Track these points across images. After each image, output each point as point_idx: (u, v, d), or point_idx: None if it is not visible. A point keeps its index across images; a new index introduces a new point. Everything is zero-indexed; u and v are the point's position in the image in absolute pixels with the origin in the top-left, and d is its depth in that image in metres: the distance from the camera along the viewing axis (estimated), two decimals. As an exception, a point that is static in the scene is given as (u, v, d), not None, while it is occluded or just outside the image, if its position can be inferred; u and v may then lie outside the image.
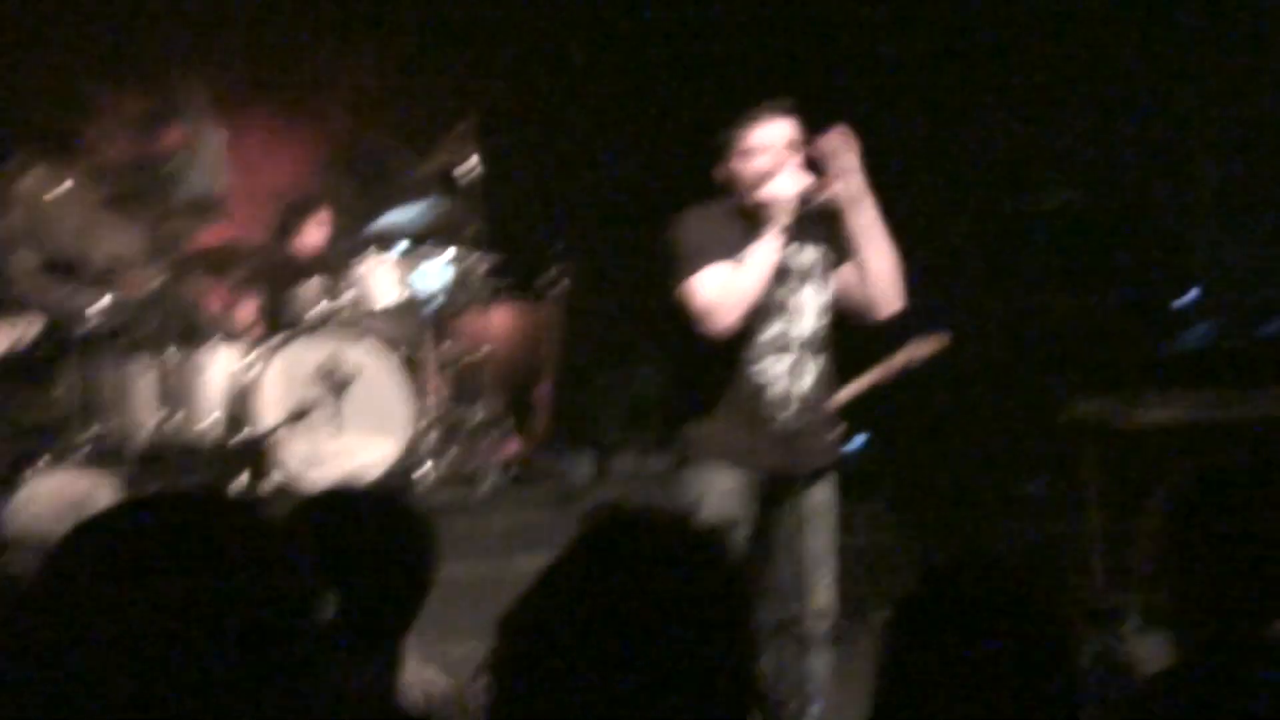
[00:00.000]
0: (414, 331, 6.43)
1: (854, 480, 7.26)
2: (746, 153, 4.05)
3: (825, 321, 4.20)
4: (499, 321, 6.70)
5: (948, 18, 7.85)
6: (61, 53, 7.04)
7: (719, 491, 4.03)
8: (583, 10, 8.15)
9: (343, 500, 2.64)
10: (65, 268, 6.49)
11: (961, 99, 7.95)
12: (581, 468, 6.67)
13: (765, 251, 3.97)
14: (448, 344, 6.43)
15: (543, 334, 6.96)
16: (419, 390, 6.08)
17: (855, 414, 6.33)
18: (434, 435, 6.21)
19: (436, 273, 6.45)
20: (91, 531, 1.38)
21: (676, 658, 1.50)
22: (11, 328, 4.86)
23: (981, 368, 7.54)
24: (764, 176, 3.99)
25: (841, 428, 6.25)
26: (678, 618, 1.52)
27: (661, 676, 1.49)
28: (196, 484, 5.14)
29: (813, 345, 4.12)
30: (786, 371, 4.09)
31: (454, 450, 6.21)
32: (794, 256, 4.06)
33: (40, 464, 5.52)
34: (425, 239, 6.62)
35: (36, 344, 5.89)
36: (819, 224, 4.11)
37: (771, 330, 4.08)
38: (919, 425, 7.63)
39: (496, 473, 6.20)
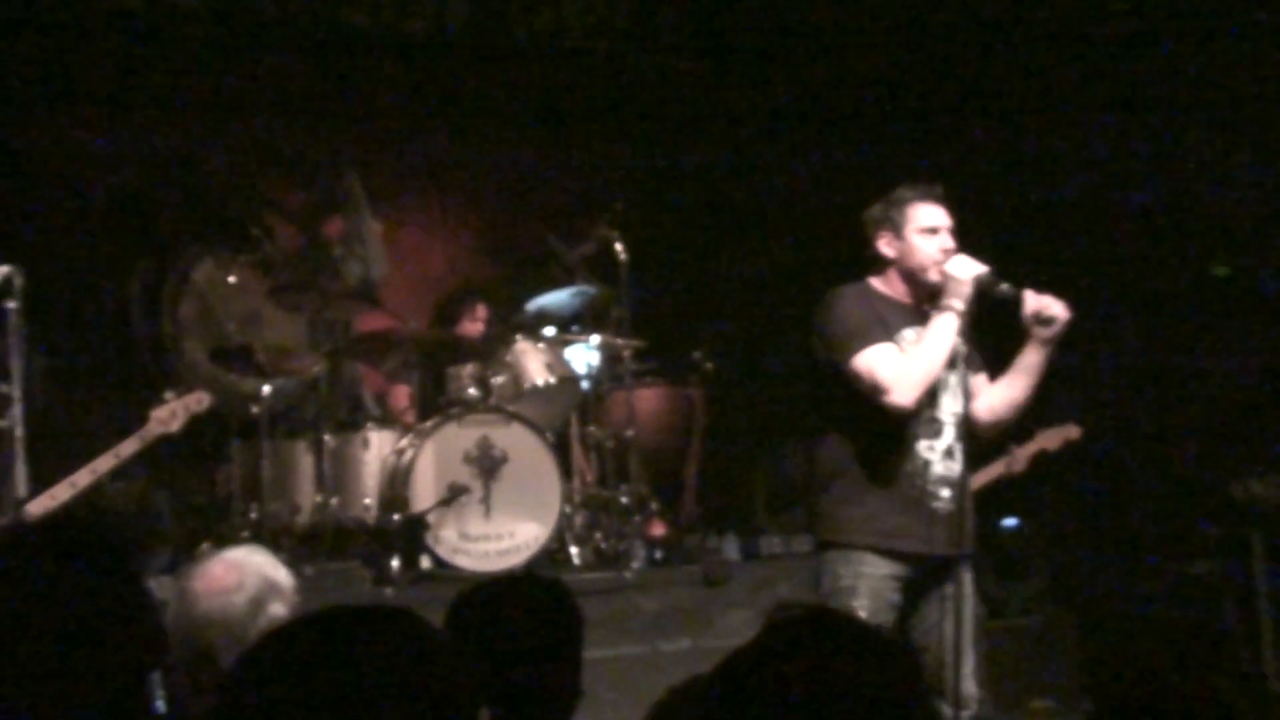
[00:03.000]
0: (562, 415, 6.54)
1: (1009, 562, 7.13)
2: (925, 230, 4.04)
3: (968, 407, 4.14)
4: (645, 405, 6.76)
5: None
6: (233, 151, 7.38)
7: (872, 578, 3.94)
8: (730, 104, 8.23)
9: (499, 594, 2.64)
10: (231, 355, 6.79)
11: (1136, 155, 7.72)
12: (728, 549, 6.67)
13: (947, 327, 3.93)
14: (594, 427, 6.53)
15: (688, 417, 7.00)
16: (567, 473, 6.17)
17: (1011, 491, 6.21)
18: (581, 518, 6.29)
19: (583, 357, 6.56)
20: (259, 659, 1.44)
21: None
22: (186, 404, 5.17)
23: (1146, 442, 7.32)
24: (948, 253, 4.01)
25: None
26: None
27: None
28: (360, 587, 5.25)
29: (962, 427, 4.06)
30: (943, 453, 4.04)
31: (601, 532, 6.28)
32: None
33: (204, 546, 5.75)
34: (573, 324, 6.75)
35: (204, 428, 6.16)
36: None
37: (931, 411, 4.02)
38: (1078, 503, 7.44)
39: (643, 555, 6.24)
